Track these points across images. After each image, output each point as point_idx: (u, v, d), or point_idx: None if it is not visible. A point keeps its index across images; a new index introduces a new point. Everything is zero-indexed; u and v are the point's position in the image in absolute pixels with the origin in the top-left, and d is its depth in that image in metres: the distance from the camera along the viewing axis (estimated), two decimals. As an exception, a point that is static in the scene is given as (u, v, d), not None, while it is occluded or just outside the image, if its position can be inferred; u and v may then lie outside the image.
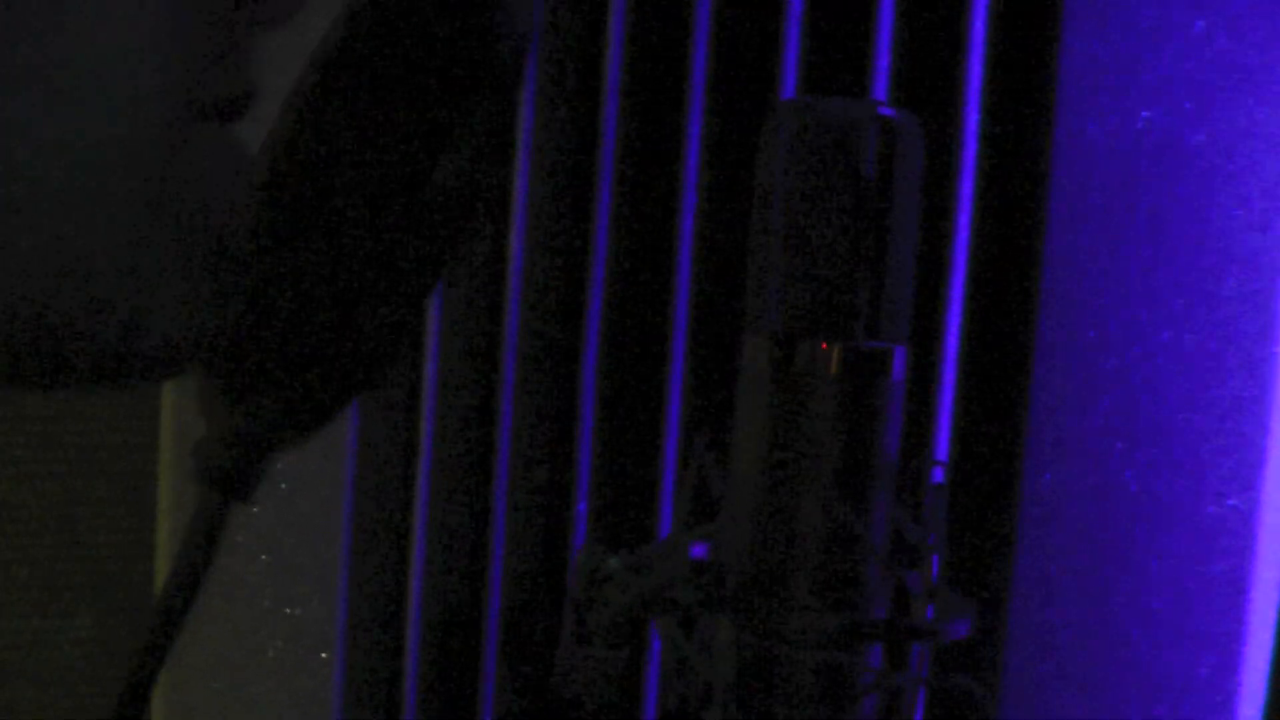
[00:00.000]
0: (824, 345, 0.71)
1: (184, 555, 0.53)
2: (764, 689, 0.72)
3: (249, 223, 0.52)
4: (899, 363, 0.72)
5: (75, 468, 1.26)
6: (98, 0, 0.45)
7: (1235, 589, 1.05)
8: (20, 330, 0.45)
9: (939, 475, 0.74)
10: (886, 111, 0.72)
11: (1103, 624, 1.06)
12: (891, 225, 0.72)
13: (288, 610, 1.17)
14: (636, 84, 1.11)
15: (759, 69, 1.09)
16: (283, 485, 1.14)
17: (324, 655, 1.17)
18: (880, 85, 1.06)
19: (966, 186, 1.05)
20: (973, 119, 1.05)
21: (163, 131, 0.47)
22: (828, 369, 0.71)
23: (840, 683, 0.72)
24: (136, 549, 1.27)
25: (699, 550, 0.76)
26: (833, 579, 0.71)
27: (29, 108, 0.43)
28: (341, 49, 0.52)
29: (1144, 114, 1.03)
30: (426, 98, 0.50)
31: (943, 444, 1.05)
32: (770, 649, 0.71)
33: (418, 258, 0.50)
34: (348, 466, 1.16)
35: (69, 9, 0.44)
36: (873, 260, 0.71)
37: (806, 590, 0.71)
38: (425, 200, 0.50)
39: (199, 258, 0.49)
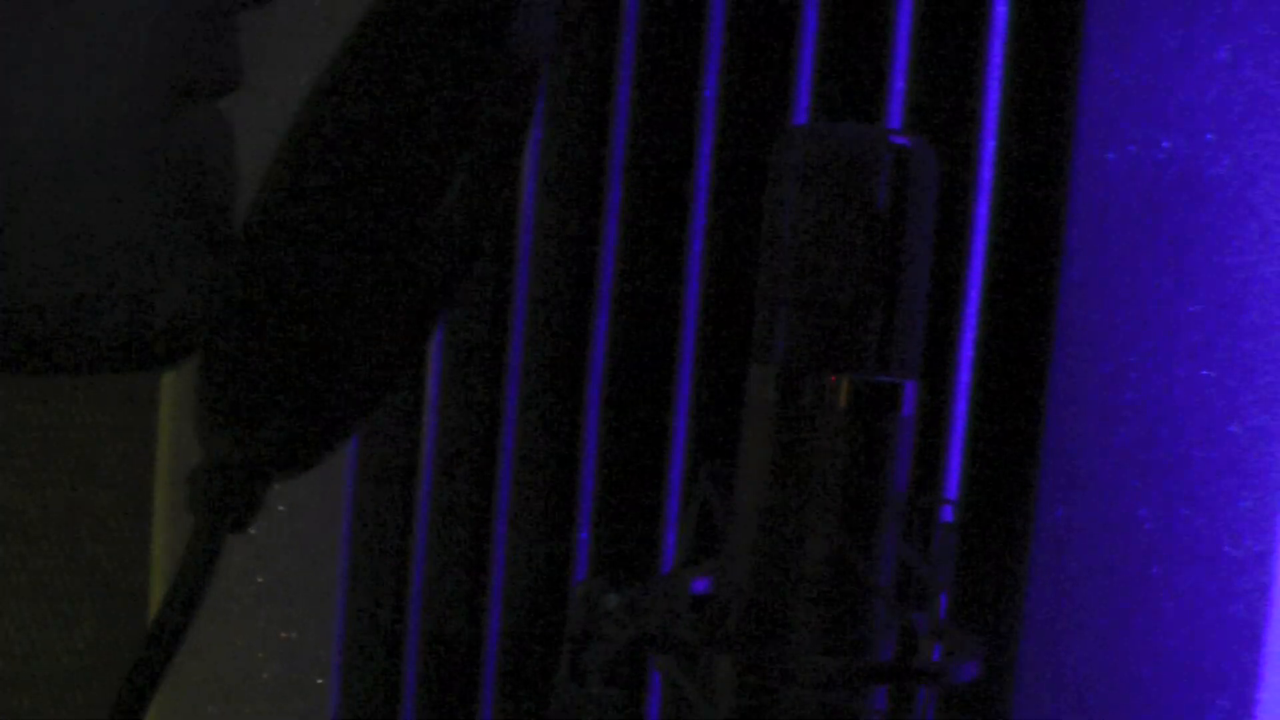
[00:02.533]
0: (833, 379, 0.70)
1: (178, 585, 0.52)
2: (765, 729, 0.70)
3: (245, 242, 0.51)
4: (909, 397, 0.71)
5: (75, 477, 1.26)
6: None
7: (1250, 631, 1.03)
8: (31, 314, 0.45)
9: (948, 514, 0.73)
10: (900, 140, 0.71)
11: (1114, 663, 1.04)
12: (903, 256, 0.70)
13: (283, 633, 1.16)
14: (647, 105, 1.10)
15: (772, 91, 1.08)
16: (281, 507, 1.13)
17: (319, 680, 1.16)
18: (895, 109, 1.05)
19: (982, 214, 1.04)
20: (990, 145, 1.04)
21: (156, 111, 0.46)
22: (836, 403, 0.70)
23: (844, 725, 0.71)
24: (135, 559, 1.26)
25: (701, 585, 0.75)
26: (837, 618, 0.70)
27: (27, 92, 0.42)
28: (355, 49, 0.51)
29: (1165, 143, 1.02)
30: (442, 97, 0.49)
31: (954, 476, 1.04)
32: (772, 689, 0.70)
33: (425, 283, 0.49)
34: (347, 489, 1.15)
35: None
36: (884, 292, 0.70)
37: (810, 629, 0.70)
38: (433, 219, 0.49)
39: (201, 237, 0.48)
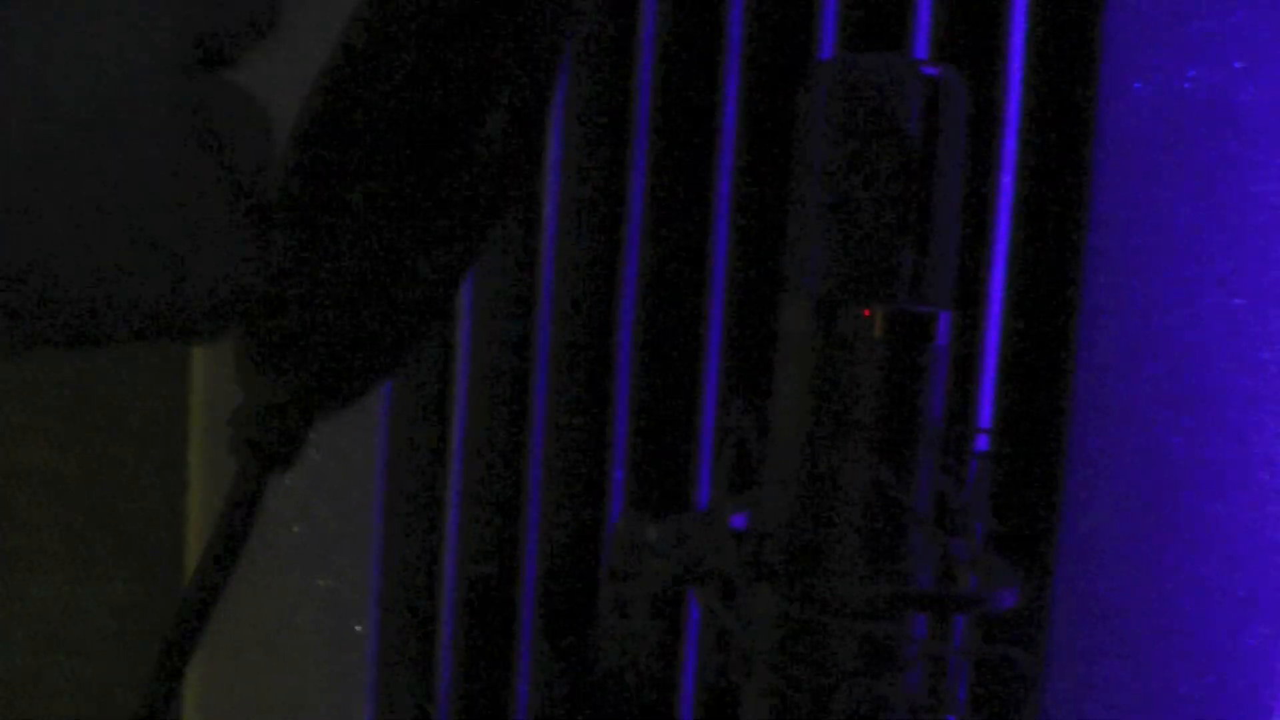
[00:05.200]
0: (866, 311, 0.70)
1: (222, 525, 0.52)
2: (806, 659, 0.70)
3: (285, 185, 0.51)
4: (944, 327, 0.71)
5: (105, 434, 1.27)
6: None
7: (1285, 557, 1.03)
8: (64, 284, 0.44)
9: (983, 443, 0.73)
10: (929, 69, 0.71)
11: (1150, 592, 1.04)
12: (935, 186, 0.71)
13: (320, 582, 1.16)
14: (672, 42, 1.10)
15: (797, 25, 1.07)
16: (315, 454, 1.13)
17: (357, 628, 1.16)
18: (920, 41, 1.05)
19: (1009, 145, 1.04)
20: (1015, 76, 1.04)
21: (180, 75, 0.45)
22: (871, 333, 0.70)
23: (884, 653, 0.71)
24: (167, 515, 1.27)
25: (739, 520, 0.75)
26: (877, 547, 0.70)
27: (49, 61, 0.42)
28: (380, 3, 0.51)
29: (1191, 71, 1.01)
30: (471, 45, 0.49)
31: (986, 409, 1.04)
32: (812, 618, 0.70)
33: (461, 222, 0.49)
34: (380, 435, 1.15)
35: None
36: (917, 222, 0.70)
37: (850, 558, 0.71)
38: (466, 163, 0.49)
39: (236, 209, 0.48)
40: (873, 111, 0.70)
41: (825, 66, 0.72)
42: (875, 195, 0.69)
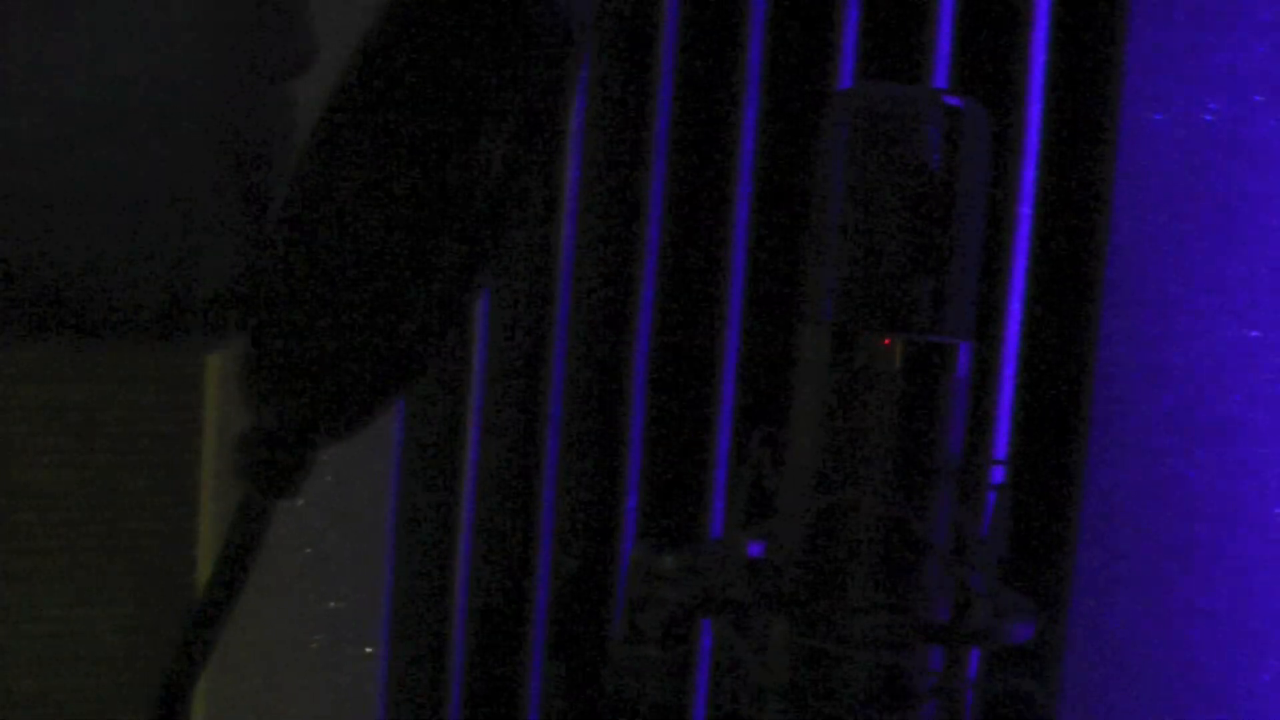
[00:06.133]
0: (886, 341, 0.69)
1: (225, 553, 0.52)
2: (819, 690, 0.70)
3: (289, 211, 0.51)
4: (964, 358, 0.71)
5: (116, 457, 1.26)
6: None
7: (1301, 592, 1.03)
8: (74, 274, 0.45)
9: (999, 475, 0.73)
10: (951, 100, 0.71)
11: (1164, 626, 1.04)
12: (956, 217, 0.70)
13: (331, 604, 1.16)
14: (690, 70, 1.10)
15: (815, 54, 1.08)
16: (327, 478, 1.13)
17: (368, 650, 1.16)
18: (940, 72, 1.05)
19: (1029, 177, 1.04)
20: (1035, 108, 1.04)
21: (222, 83, 0.46)
22: (890, 364, 0.69)
23: (899, 685, 0.70)
24: (177, 538, 1.27)
25: (754, 549, 0.74)
26: (892, 578, 0.70)
27: (80, 47, 0.42)
28: (386, 20, 0.51)
29: (1211, 104, 1.01)
30: (471, 70, 0.49)
31: (1002, 440, 1.04)
32: (826, 649, 0.70)
33: (465, 247, 0.49)
34: (393, 459, 1.15)
35: None
36: (937, 253, 0.70)
37: (865, 590, 0.70)
38: (471, 184, 0.49)
39: (251, 215, 0.48)
40: (894, 142, 0.69)
41: (846, 96, 0.72)
42: (895, 226, 0.69)
